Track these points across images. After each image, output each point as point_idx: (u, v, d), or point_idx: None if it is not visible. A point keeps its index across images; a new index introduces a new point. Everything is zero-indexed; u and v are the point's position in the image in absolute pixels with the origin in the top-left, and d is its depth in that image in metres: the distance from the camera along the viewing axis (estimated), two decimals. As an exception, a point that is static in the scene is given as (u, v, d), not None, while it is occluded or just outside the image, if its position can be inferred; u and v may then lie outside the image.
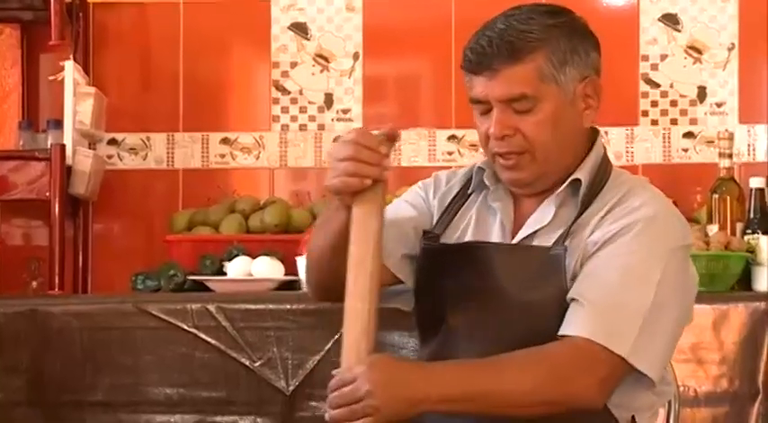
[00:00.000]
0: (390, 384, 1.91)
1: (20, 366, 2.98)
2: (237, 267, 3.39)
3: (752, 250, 3.17)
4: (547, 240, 2.07)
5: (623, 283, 2.01)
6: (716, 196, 3.34)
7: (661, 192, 2.15)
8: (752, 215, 3.26)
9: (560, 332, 2.01)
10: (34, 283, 3.67)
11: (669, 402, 2.42)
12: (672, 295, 2.04)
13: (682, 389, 2.83)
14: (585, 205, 2.08)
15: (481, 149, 2.15)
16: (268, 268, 3.37)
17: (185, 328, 3.03)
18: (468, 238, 2.14)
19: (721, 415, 2.96)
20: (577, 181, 2.09)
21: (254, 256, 3.41)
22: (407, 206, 2.20)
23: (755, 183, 3.29)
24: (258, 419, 3.00)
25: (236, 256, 3.43)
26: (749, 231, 3.23)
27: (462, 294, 2.11)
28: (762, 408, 2.93)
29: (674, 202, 3.55)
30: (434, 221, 2.18)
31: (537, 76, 2.05)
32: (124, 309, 3.04)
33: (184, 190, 3.91)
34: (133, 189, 3.90)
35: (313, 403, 3.00)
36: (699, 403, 2.96)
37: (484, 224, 2.15)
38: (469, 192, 2.18)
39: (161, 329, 3.03)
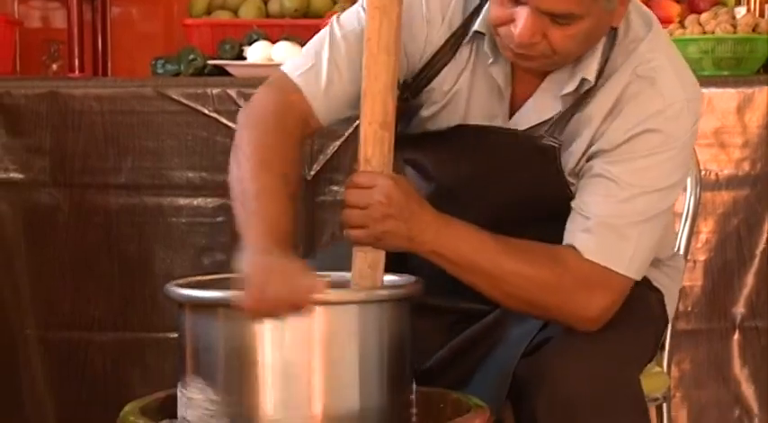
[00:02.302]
0: (404, 213, 1.84)
1: (43, 147, 2.99)
2: (257, 52, 3.36)
3: (779, 33, 3.13)
4: (543, 131, 1.96)
5: (627, 194, 1.91)
6: (745, -23, 3.28)
7: (673, 51, 1.99)
8: (781, -4, 3.21)
9: (567, 241, 1.92)
10: (54, 66, 3.65)
11: (690, 187, 2.43)
12: (675, 189, 1.96)
13: (703, 173, 2.83)
14: (590, 96, 1.94)
15: None
16: (288, 53, 3.34)
17: (206, 112, 3.02)
18: (457, 110, 2.01)
19: (741, 197, 2.96)
20: (585, 80, 1.94)
21: (273, 41, 3.38)
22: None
23: (786, -37, 3.23)
24: (279, 204, 3.01)
25: (256, 40, 3.39)
26: (777, 13, 3.19)
27: (448, 176, 2.03)
28: (783, 187, 2.95)
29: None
30: (417, 69, 2.02)
31: None
32: (144, 93, 3.03)
33: (202, -27, 3.85)
34: (150, -28, 3.85)
35: (334, 188, 3.02)
36: (720, 187, 2.97)
37: (478, 97, 2.01)
38: (462, 45, 2.00)
39: (182, 114, 3.02)
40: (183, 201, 3.03)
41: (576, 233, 1.92)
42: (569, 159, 1.96)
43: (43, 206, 2.99)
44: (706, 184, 2.82)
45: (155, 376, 2.98)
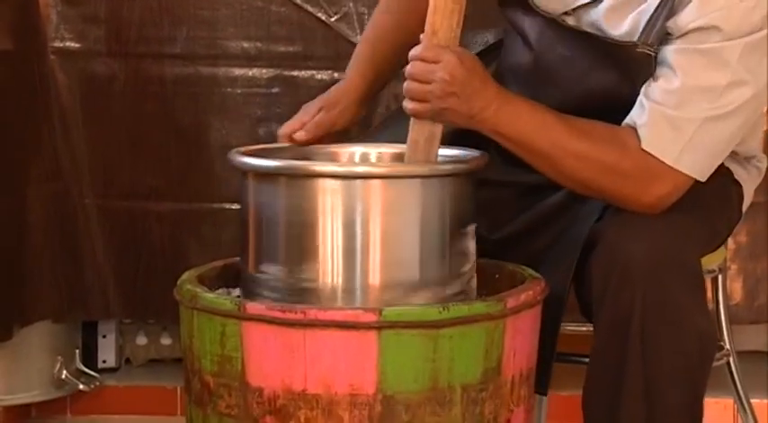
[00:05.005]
0: (466, 90, 1.84)
1: (99, 16, 2.98)
2: None
3: None
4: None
5: (684, 84, 1.88)
6: None
7: None
8: None
9: (634, 122, 1.92)
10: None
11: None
12: (742, 88, 1.89)
13: None
14: None
15: None
16: None
17: (261, -19, 3.00)
18: None
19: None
20: None
21: None
22: None
23: None
24: (335, 74, 3.00)
25: None
26: None
27: (547, 54, 2.02)
28: None
29: None
30: None
31: None
32: (199, -40, 3.01)
33: None
34: None
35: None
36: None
37: None
38: None
39: (236, -17, 3.01)
40: (238, 71, 3.02)
41: (636, 118, 1.92)
42: (653, 32, 1.93)
43: (99, 76, 3.00)
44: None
45: (211, 246, 3.01)
